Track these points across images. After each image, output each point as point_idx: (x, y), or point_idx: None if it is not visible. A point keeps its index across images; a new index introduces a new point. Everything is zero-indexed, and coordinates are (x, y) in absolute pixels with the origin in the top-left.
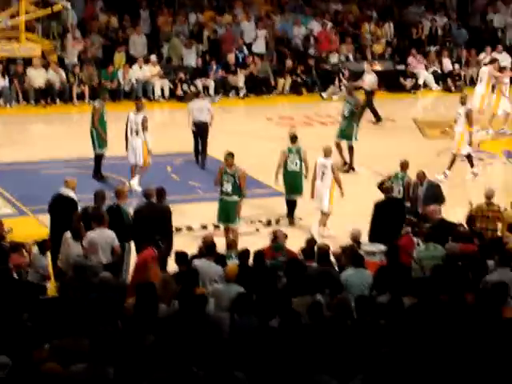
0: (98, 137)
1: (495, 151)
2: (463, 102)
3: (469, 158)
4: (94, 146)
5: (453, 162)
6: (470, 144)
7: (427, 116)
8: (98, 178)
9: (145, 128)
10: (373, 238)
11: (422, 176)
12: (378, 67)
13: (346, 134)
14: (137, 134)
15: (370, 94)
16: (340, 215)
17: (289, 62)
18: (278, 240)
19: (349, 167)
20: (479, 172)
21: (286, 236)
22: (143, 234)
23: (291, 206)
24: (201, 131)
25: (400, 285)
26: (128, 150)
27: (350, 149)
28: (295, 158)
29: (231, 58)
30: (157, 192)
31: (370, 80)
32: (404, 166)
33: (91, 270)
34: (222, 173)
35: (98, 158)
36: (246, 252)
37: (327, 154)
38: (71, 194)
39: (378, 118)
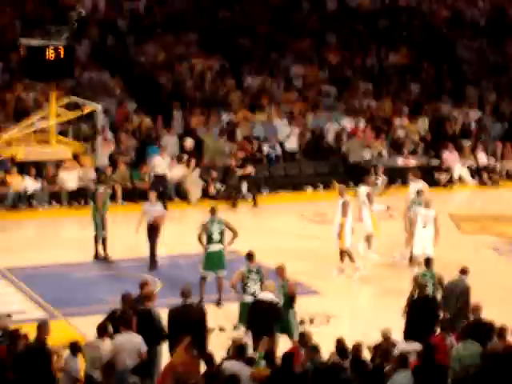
0: None
1: None
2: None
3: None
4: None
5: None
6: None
7: (463, 211)
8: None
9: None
10: (407, 335)
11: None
12: (413, 162)
13: None
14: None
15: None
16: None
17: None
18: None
19: None
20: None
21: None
22: (177, 335)
23: None
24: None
25: None
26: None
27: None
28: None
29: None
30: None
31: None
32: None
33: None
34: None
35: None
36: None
37: (427, 205)
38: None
39: None
